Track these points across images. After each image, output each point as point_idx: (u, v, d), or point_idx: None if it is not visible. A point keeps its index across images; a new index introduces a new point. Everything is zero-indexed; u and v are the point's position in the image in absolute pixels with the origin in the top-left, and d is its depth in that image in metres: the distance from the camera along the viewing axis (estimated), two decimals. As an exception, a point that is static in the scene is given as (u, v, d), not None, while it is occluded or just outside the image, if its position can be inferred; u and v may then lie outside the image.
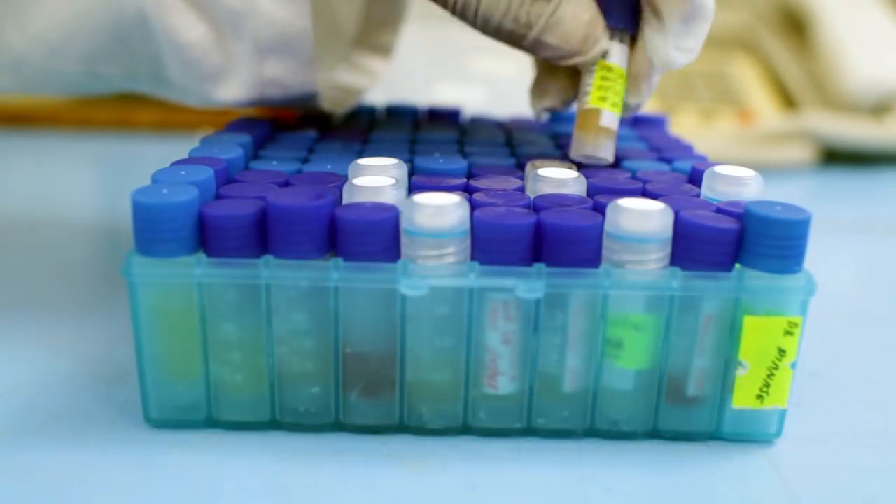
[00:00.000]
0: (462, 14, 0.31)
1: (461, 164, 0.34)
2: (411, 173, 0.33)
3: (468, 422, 0.30)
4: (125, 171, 0.64)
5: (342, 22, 0.41)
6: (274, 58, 0.32)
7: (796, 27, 0.76)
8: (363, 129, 0.41)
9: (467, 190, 0.31)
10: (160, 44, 0.32)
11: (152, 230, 0.27)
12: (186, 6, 0.31)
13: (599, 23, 0.32)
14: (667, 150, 0.39)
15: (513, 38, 0.31)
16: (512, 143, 0.40)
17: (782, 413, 0.30)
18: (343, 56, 0.42)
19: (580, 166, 0.34)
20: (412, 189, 0.31)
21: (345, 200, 0.29)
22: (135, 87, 0.37)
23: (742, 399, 0.29)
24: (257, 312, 0.28)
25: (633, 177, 0.34)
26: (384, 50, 0.43)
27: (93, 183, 0.65)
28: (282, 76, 0.33)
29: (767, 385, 0.29)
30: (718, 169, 0.31)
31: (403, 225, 0.27)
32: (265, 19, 0.31)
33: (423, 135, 0.40)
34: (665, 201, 0.29)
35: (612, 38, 0.33)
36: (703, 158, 0.37)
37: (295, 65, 0.33)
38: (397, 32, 0.44)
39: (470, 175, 0.33)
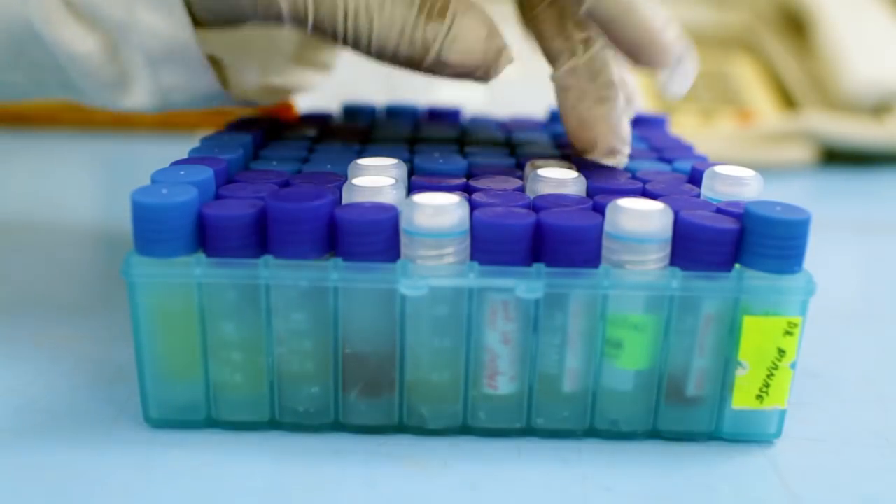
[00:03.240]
0: (355, 44, 0.30)
1: (461, 164, 0.34)
2: (411, 173, 0.33)
3: (468, 422, 0.30)
4: (125, 171, 0.64)
5: (281, 38, 0.41)
6: (167, 67, 0.32)
7: (796, 27, 0.76)
8: (363, 129, 0.41)
9: (467, 190, 0.31)
10: (56, 54, 0.32)
11: (152, 230, 0.27)
12: (73, 19, 0.30)
13: (497, 35, 0.31)
14: (667, 150, 0.39)
15: (412, 62, 0.29)
16: (512, 143, 0.40)
17: (782, 413, 0.30)
18: (278, 70, 0.41)
19: (580, 166, 0.34)
20: (412, 189, 0.31)
21: (345, 200, 0.29)
22: (47, 94, 0.36)
23: (742, 399, 0.29)
24: (257, 312, 0.28)
25: (633, 177, 0.34)
26: (322, 66, 0.43)
27: (93, 183, 0.65)
28: (180, 83, 0.33)
29: (767, 385, 0.29)
30: (718, 169, 0.31)
31: (403, 225, 0.27)
32: (149, 32, 0.31)
33: (423, 135, 0.40)
34: (665, 201, 0.29)
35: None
36: (703, 158, 0.37)
37: (189, 72, 0.32)
38: (336, 51, 0.43)
39: (470, 175, 0.33)
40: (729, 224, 0.28)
